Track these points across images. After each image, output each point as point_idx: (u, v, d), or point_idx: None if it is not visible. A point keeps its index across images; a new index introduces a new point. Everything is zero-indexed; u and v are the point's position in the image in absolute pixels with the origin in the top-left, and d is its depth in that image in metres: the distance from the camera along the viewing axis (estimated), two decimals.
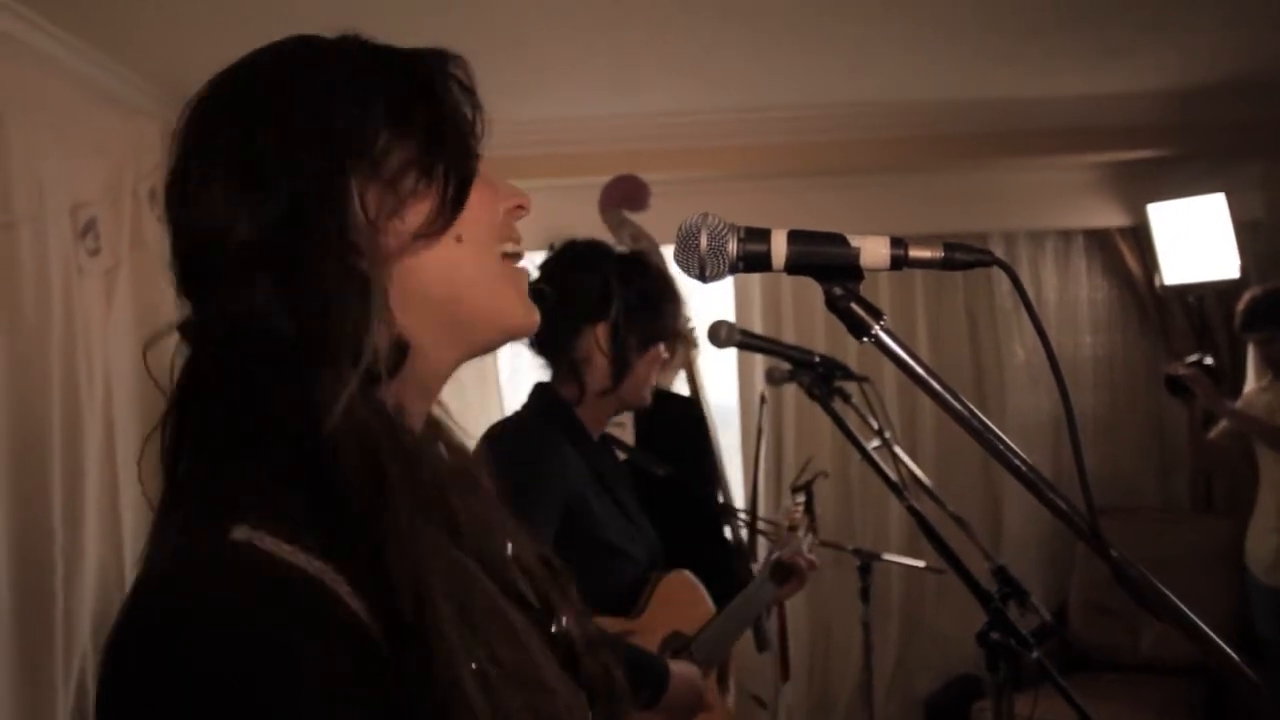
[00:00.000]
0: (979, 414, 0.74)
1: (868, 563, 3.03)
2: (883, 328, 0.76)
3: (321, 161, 0.71)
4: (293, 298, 0.69)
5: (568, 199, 2.91)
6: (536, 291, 2.12)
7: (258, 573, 0.63)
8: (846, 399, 2.32)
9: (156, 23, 2.74)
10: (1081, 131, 3.98)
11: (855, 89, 3.71)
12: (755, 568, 2.51)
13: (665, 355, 1.97)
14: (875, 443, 2.30)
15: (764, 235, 0.76)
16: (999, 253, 4.76)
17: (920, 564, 3.15)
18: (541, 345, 1.94)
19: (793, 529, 2.19)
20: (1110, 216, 4.34)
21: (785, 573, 2.10)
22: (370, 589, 0.65)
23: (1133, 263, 4.38)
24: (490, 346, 0.83)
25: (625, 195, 2.94)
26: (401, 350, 0.74)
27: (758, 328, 4.08)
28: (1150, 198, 4.15)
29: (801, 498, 2.28)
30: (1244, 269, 3.96)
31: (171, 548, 0.67)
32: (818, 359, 1.83)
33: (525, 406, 1.97)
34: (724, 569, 2.46)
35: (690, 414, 2.59)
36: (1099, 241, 4.46)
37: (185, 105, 0.76)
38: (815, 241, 0.76)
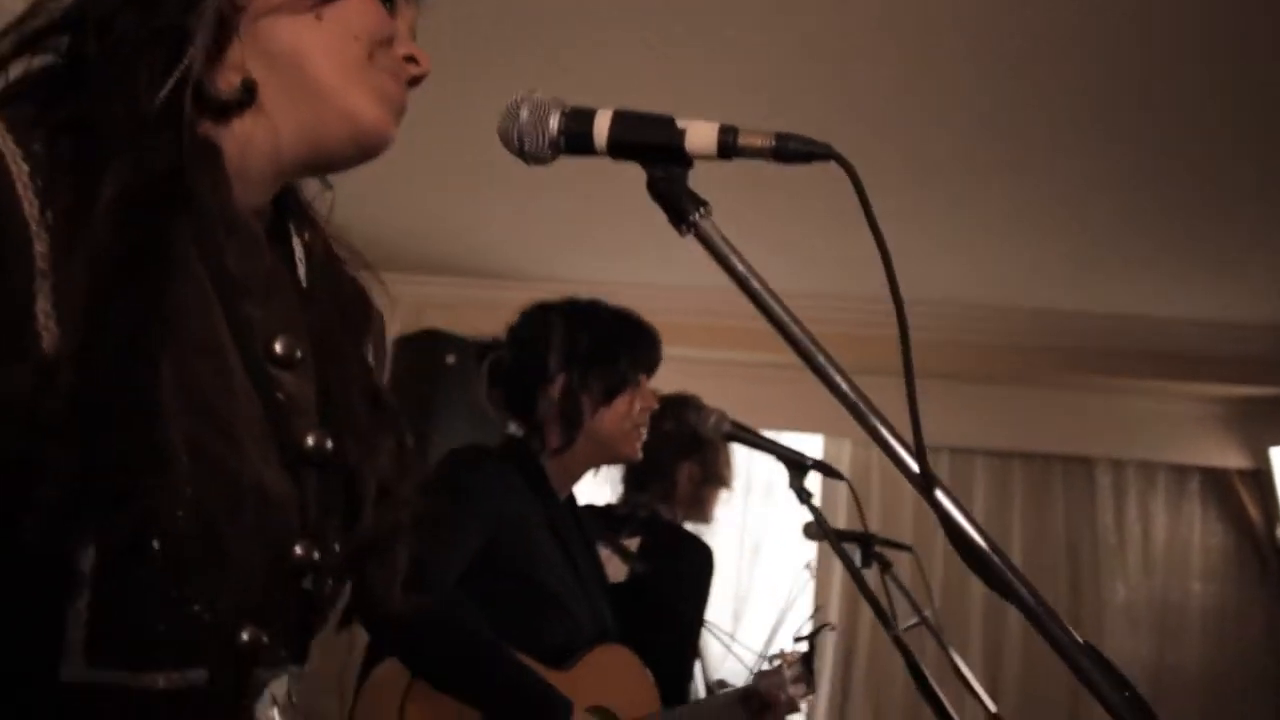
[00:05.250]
0: (827, 353, 0.64)
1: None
2: (703, 216, 0.68)
3: None
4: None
5: None
6: (481, 355, 2.04)
7: None
8: (886, 568, 2.16)
9: None
10: (1198, 359, 3.80)
11: (959, 288, 3.66)
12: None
13: (644, 402, 1.88)
14: (913, 620, 2.12)
15: (589, 115, 0.71)
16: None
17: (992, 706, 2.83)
18: (511, 412, 1.89)
19: (785, 663, 1.99)
20: (1229, 456, 4.07)
21: (758, 704, 1.91)
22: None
23: (1252, 509, 4.05)
24: (339, 147, 0.79)
25: None
26: (249, 91, 0.74)
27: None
28: (1273, 440, 3.88)
29: (805, 646, 2.09)
30: None
31: None
32: (809, 463, 1.69)
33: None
34: (676, 677, 2.36)
35: (703, 554, 2.50)
36: (1216, 481, 4.16)
37: None
38: (640, 122, 0.70)
